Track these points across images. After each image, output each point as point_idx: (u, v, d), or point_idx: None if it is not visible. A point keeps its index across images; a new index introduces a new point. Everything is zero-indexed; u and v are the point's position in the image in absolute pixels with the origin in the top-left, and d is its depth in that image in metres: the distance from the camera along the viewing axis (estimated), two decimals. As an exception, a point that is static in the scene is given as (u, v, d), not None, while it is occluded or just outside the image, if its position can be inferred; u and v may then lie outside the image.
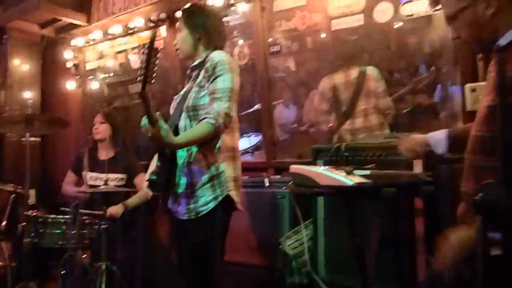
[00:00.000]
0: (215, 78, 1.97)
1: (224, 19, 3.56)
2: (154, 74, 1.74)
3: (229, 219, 2.08)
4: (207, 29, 2.13)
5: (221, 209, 1.98)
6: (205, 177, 1.99)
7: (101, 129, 3.57)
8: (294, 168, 1.69)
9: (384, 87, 3.15)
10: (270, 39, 3.56)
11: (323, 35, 3.43)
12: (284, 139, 4.18)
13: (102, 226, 2.95)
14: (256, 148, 4.25)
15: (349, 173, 1.57)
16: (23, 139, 3.13)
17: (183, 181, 2.02)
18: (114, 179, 3.44)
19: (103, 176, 3.39)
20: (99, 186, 3.31)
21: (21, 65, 5.11)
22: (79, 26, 4.76)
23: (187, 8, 2.26)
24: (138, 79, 1.71)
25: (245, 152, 3.94)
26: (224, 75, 1.97)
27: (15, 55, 5.07)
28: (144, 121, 1.84)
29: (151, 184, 2.01)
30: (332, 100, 3.27)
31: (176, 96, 2.22)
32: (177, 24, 2.19)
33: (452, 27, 1.46)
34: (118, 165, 3.48)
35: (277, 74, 3.85)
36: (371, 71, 3.15)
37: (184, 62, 2.44)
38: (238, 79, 2.03)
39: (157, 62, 1.74)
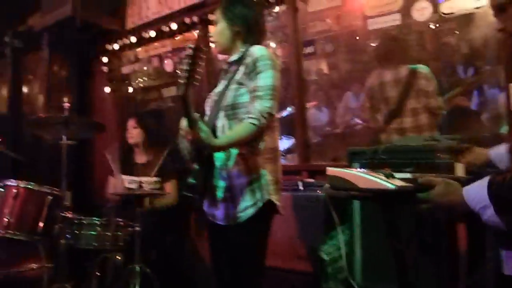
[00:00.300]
0: (256, 75, 1.86)
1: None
2: (198, 76, 1.67)
3: (270, 224, 1.99)
4: (247, 22, 2.00)
5: (262, 215, 1.89)
6: (245, 181, 1.90)
7: (134, 134, 3.64)
8: (331, 170, 1.63)
9: (435, 87, 3.01)
10: (304, 41, 3.50)
11: (358, 35, 3.36)
12: (317, 142, 4.13)
13: (136, 229, 2.96)
14: (288, 151, 4.21)
15: (388, 176, 1.51)
16: (60, 142, 3.17)
17: (221, 184, 1.93)
18: (148, 183, 3.47)
19: (138, 179, 3.43)
20: (134, 189, 3.35)
21: (58, 70, 5.23)
22: (114, 31, 4.84)
23: None
24: (181, 80, 1.64)
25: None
26: (266, 72, 1.85)
27: (53, 60, 5.20)
28: (184, 123, 1.79)
29: (190, 187, 1.94)
30: (380, 97, 3.16)
31: (211, 94, 2.12)
32: (215, 15, 2.07)
33: (499, 19, 1.38)
34: (152, 169, 3.51)
35: (311, 76, 3.80)
36: (423, 69, 3.03)
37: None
38: (279, 76, 1.91)
39: (202, 63, 1.68)
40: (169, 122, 4.53)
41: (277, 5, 3.52)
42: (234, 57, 2.01)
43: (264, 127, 1.82)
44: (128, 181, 3.52)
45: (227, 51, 2.05)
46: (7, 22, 6.14)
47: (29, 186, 2.99)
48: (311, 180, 3.10)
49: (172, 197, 3.49)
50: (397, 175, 1.55)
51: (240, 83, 1.91)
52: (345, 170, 1.61)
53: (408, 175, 1.57)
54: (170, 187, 3.51)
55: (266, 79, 1.85)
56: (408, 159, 2.25)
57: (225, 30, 2.02)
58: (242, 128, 1.82)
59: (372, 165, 2.37)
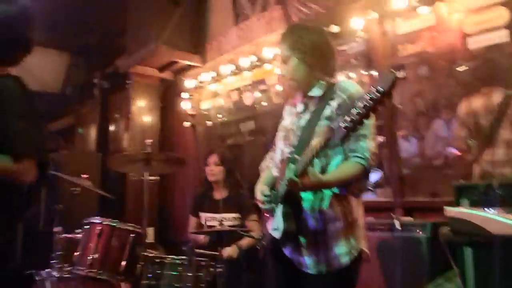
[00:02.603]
0: None
1: (341, 47, 3.37)
2: (363, 123, 1.42)
3: (359, 274, 1.80)
4: (320, 51, 1.85)
5: (355, 264, 1.73)
6: (340, 225, 1.73)
7: (216, 171, 3.56)
8: (451, 212, 1.36)
9: None
10: (393, 65, 3.26)
11: (456, 56, 3.05)
12: (407, 175, 3.78)
13: (218, 269, 2.82)
14: (376, 185, 3.91)
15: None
16: (143, 178, 3.16)
17: (311, 227, 1.76)
18: (228, 219, 3.35)
19: (218, 216, 3.32)
20: (214, 226, 3.24)
21: (142, 107, 5.40)
22: (194, 67, 4.90)
23: (289, 30, 1.93)
24: (348, 118, 1.41)
25: (364, 189, 3.61)
26: None
27: (137, 98, 5.38)
28: (292, 173, 1.63)
29: (284, 233, 1.76)
30: (472, 126, 2.83)
31: (283, 128, 1.97)
32: (281, 52, 1.88)
33: None
34: (232, 205, 3.41)
35: (402, 103, 3.50)
36: None
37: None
38: None
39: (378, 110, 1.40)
40: (247, 157, 4.44)
41: (363, 29, 3.32)
42: (315, 91, 1.85)
43: (371, 167, 1.68)
44: (208, 219, 3.42)
45: (304, 87, 1.89)
46: (96, 65, 6.55)
47: (113, 224, 2.96)
48: (409, 219, 2.78)
49: (256, 234, 3.32)
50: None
51: (331, 119, 1.74)
52: (471, 211, 1.33)
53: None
54: (252, 223, 3.35)
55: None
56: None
57: (299, 66, 1.84)
58: (349, 167, 1.69)
59: (486, 202, 2.04)
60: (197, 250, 3.01)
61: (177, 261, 2.93)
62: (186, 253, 3.03)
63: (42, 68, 6.01)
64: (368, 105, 1.36)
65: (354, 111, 1.39)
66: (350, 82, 1.83)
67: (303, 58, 1.83)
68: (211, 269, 2.92)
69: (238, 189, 3.51)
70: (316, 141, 1.57)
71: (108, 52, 6.33)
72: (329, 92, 1.80)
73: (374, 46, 3.35)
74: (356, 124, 1.39)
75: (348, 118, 1.40)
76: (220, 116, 4.88)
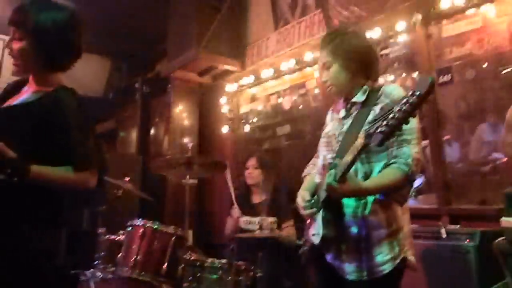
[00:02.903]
0: None
1: (384, 51, 3.31)
2: (401, 127, 1.39)
3: (401, 283, 1.76)
4: (362, 57, 1.82)
5: (397, 272, 1.70)
6: (383, 232, 1.71)
7: (255, 175, 3.57)
8: (508, 222, 1.30)
9: None
10: (438, 69, 3.16)
11: (505, 59, 2.93)
12: (452, 181, 3.66)
13: (258, 274, 2.82)
14: (418, 191, 3.80)
15: None
16: (183, 181, 3.20)
17: (353, 234, 1.74)
18: (267, 223, 3.34)
19: (256, 219, 3.32)
20: (253, 230, 3.24)
21: (181, 112, 5.48)
22: (234, 71, 4.94)
23: (330, 35, 1.90)
24: (384, 122, 1.38)
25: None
26: None
27: (177, 103, 5.47)
28: (332, 177, 1.61)
29: (323, 239, 1.75)
30: None
31: (325, 134, 1.96)
32: (322, 58, 1.86)
33: None
34: (270, 209, 3.39)
35: (447, 107, 3.40)
36: None
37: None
38: None
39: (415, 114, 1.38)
40: (285, 161, 4.42)
41: (407, 32, 3.25)
42: (358, 97, 1.82)
43: (414, 174, 1.64)
44: (246, 222, 3.42)
45: (346, 93, 1.86)
46: (137, 70, 6.70)
47: (155, 227, 3.01)
48: (455, 227, 2.69)
49: (291, 239, 3.30)
50: None
51: None
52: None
53: None
54: (287, 228, 3.34)
55: (412, 121, 1.64)
56: None
57: (341, 72, 1.82)
58: (390, 174, 1.65)
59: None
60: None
61: (217, 265, 2.94)
62: (226, 257, 3.05)
63: (85, 73, 6.18)
64: (405, 109, 1.33)
65: (391, 115, 1.36)
66: (394, 87, 1.79)
67: (345, 64, 1.81)
68: (251, 273, 2.92)
69: (276, 193, 3.50)
70: (354, 147, 1.55)
71: (149, 57, 6.47)
72: (373, 97, 1.77)
73: (418, 49, 3.26)
74: (393, 129, 1.36)
75: (385, 123, 1.37)
76: (257, 120, 4.89)
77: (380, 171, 1.69)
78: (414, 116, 1.37)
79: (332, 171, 1.62)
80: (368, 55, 1.85)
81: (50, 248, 1.67)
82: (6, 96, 1.80)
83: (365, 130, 1.49)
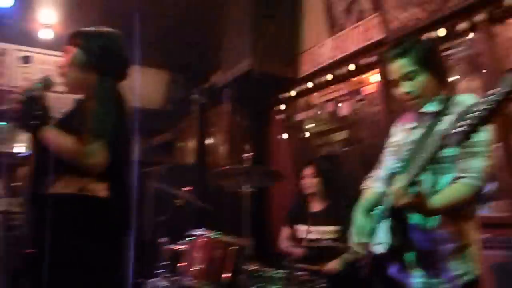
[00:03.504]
0: None
1: (446, 52, 3.17)
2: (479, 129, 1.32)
3: None
4: (443, 65, 1.80)
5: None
6: (454, 246, 1.65)
7: (313, 183, 3.51)
8: None
9: None
10: (505, 70, 2.98)
11: None
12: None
13: (320, 285, 2.77)
14: (489, 198, 3.60)
15: None
16: (240, 190, 3.22)
17: (419, 246, 1.68)
18: (328, 232, 3.29)
19: (316, 229, 3.27)
20: (313, 239, 3.20)
21: (239, 121, 5.53)
22: (289, 79, 4.91)
23: (409, 43, 1.79)
24: (462, 123, 1.32)
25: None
26: None
27: (233, 113, 5.52)
28: (401, 183, 1.57)
29: (390, 249, 1.69)
30: None
31: (393, 144, 1.92)
32: (402, 67, 1.76)
33: None
34: (331, 217, 3.33)
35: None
36: None
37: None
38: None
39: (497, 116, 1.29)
40: (343, 167, 4.33)
41: (470, 32, 3.10)
42: (433, 106, 1.76)
43: (483, 188, 1.59)
44: (307, 232, 3.37)
45: (426, 103, 1.78)
46: (193, 81, 6.84)
47: (216, 236, 3.04)
48: (532, 236, 2.52)
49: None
50: None
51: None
52: None
53: None
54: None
55: (485, 133, 1.61)
56: None
57: (430, 81, 1.75)
58: (458, 189, 1.60)
59: None
60: (298, 265, 2.99)
61: (278, 275, 2.92)
62: (286, 267, 3.03)
63: (144, 87, 6.40)
64: (485, 108, 1.27)
65: (469, 116, 1.30)
66: (468, 96, 1.73)
67: (434, 73, 1.75)
68: (312, 284, 2.87)
69: (336, 201, 3.43)
70: (429, 150, 1.51)
71: (204, 69, 6.59)
72: (446, 106, 1.72)
73: (482, 49, 3.10)
74: (472, 129, 1.29)
75: (462, 123, 1.31)
76: (314, 126, 4.84)
77: (447, 184, 1.64)
78: (495, 118, 1.29)
79: (400, 178, 1.58)
80: (444, 62, 1.81)
81: (115, 260, 1.71)
82: None
83: (442, 132, 1.45)
